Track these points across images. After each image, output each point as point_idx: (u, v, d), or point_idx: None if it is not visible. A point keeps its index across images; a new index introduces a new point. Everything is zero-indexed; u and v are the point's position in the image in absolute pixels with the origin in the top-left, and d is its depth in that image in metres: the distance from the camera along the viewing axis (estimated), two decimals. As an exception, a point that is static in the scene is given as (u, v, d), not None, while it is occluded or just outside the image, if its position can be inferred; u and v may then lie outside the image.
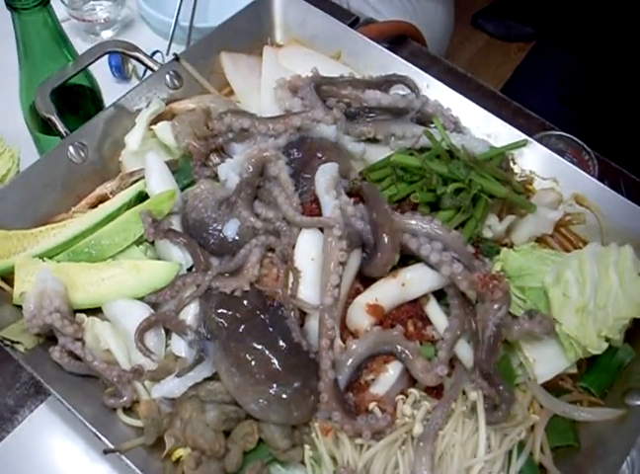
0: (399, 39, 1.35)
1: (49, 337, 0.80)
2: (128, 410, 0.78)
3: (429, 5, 1.64)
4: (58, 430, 0.88)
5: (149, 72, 0.98)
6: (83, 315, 0.80)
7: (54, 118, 0.88)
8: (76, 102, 0.97)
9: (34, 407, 0.90)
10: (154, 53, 1.17)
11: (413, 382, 0.78)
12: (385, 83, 1.00)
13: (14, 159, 1.03)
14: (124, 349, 0.78)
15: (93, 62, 0.93)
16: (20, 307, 0.81)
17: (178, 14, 1.24)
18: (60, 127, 0.88)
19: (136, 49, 0.94)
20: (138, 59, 0.94)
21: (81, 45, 1.16)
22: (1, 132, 1.06)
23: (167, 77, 0.94)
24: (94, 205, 0.88)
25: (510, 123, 0.97)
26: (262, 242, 0.78)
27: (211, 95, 0.93)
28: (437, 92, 0.98)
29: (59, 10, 1.15)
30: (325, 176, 0.81)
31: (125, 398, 0.77)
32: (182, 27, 1.24)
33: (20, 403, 0.90)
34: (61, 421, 0.89)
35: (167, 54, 1.20)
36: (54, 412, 0.90)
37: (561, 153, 0.98)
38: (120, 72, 1.16)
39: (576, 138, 1.02)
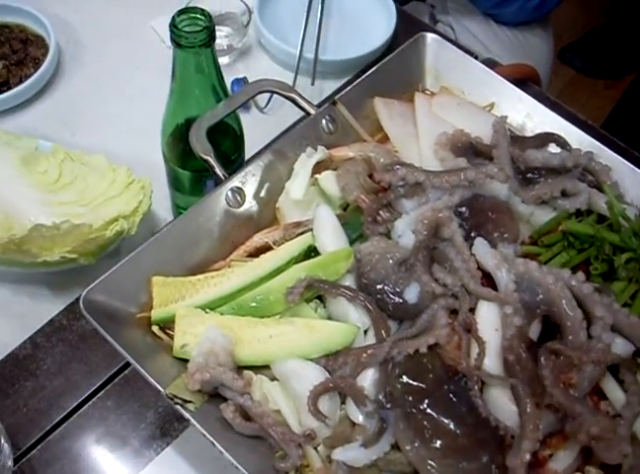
0: (520, 83, 1.41)
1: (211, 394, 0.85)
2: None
3: (534, 40, 1.70)
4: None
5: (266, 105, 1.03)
6: (250, 372, 0.84)
7: (212, 160, 0.93)
8: (217, 139, 1.02)
9: (160, 449, 0.95)
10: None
11: (588, 459, 0.82)
12: (539, 139, 1.05)
13: (145, 191, 1.08)
14: (294, 410, 0.82)
15: (247, 102, 0.98)
16: (179, 359, 0.85)
17: (302, 45, 1.30)
18: (218, 170, 0.93)
19: (291, 90, 0.99)
20: (294, 101, 0.99)
21: None
22: (130, 162, 1.12)
23: (323, 122, 0.99)
24: (252, 254, 0.92)
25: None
26: (445, 305, 0.83)
27: (371, 143, 0.98)
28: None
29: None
30: (490, 251, 0.86)
31: (294, 460, 0.81)
32: (304, 58, 1.30)
33: (145, 444, 0.95)
34: (188, 465, 0.94)
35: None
36: (181, 455, 0.95)
37: None
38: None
39: None
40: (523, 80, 1.40)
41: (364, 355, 0.80)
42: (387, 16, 1.43)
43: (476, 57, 1.33)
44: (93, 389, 1.06)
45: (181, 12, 0.89)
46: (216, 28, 1.30)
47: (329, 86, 1.37)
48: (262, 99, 1.29)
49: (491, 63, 1.39)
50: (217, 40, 1.32)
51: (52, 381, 1.07)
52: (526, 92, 1.35)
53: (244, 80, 1.30)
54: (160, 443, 1.00)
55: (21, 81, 1.32)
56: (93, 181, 1.15)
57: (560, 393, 0.75)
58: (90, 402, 1.05)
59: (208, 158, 0.91)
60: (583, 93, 2.54)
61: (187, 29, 0.89)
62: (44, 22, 1.38)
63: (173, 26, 0.88)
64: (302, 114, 1.02)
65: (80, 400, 1.06)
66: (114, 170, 1.15)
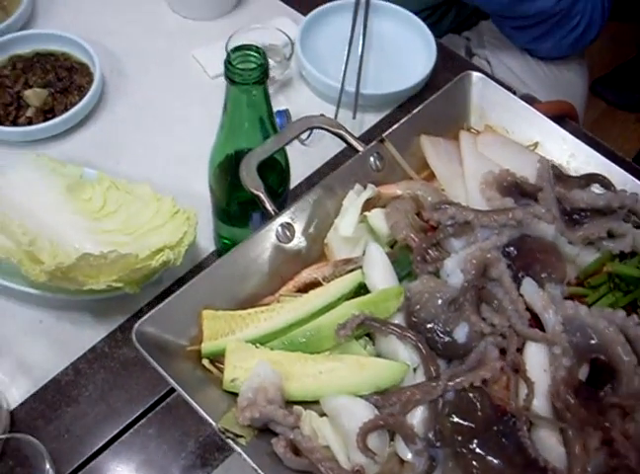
0: (559, 119, 1.43)
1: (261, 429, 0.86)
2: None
3: (570, 75, 1.73)
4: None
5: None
6: (300, 407, 0.86)
7: (262, 196, 0.95)
8: (264, 172, 1.04)
9: (200, 479, 0.97)
10: (315, 116, 1.25)
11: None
12: (583, 180, 1.07)
13: (190, 222, 1.11)
14: (344, 446, 0.84)
15: (296, 137, 1.00)
16: (229, 392, 0.87)
17: (344, 78, 1.32)
18: (268, 206, 0.95)
19: (340, 127, 1.02)
20: (342, 138, 1.01)
21: None
22: (172, 191, 1.15)
23: (371, 159, 1.01)
24: (301, 289, 0.94)
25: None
26: (494, 342, 0.85)
27: (419, 182, 1.00)
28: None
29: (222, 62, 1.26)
30: (538, 292, 0.88)
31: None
32: (344, 91, 1.33)
33: (186, 474, 0.97)
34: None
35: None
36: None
37: None
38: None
39: None
40: (562, 116, 1.42)
41: (419, 392, 0.81)
42: (427, 50, 1.46)
43: (514, 93, 1.35)
44: (134, 417, 1.08)
45: (235, 49, 0.92)
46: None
47: (369, 119, 1.40)
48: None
49: (529, 99, 1.42)
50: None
51: (94, 408, 1.09)
52: (565, 129, 1.38)
53: (286, 112, 1.33)
54: (200, 473, 1.02)
55: (66, 109, 1.35)
56: (137, 210, 1.18)
57: (624, 443, 0.76)
58: (131, 429, 1.07)
59: (259, 194, 0.93)
60: (614, 126, 2.56)
61: (241, 66, 0.91)
62: (89, 50, 1.41)
63: (228, 62, 0.90)
64: (342, 145, 1.04)
65: (121, 427, 1.07)
66: (158, 200, 1.18)
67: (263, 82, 0.91)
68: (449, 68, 1.49)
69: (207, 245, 1.22)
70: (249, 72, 0.90)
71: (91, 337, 1.15)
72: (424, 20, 1.52)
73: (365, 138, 1.31)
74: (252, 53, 0.91)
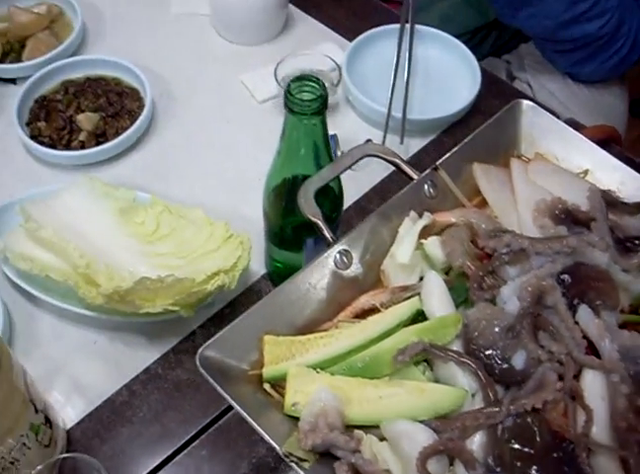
0: (603, 143, 1.45)
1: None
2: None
3: (611, 99, 1.75)
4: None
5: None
6: (361, 432, 0.88)
7: (320, 223, 0.98)
8: (319, 198, 1.07)
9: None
10: (366, 142, 1.28)
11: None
12: (635, 207, 1.09)
13: (244, 246, 1.13)
14: (403, 470, 0.86)
15: (352, 165, 1.03)
16: (290, 416, 0.90)
17: (390, 104, 1.35)
18: (326, 233, 0.98)
19: (394, 155, 1.04)
20: (397, 166, 1.03)
21: (282, 124, 1.31)
22: (222, 214, 1.18)
23: (425, 187, 1.04)
24: (358, 315, 0.96)
25: None
26: (552, 368, 0.87)
27: (472, 209, 1.02)
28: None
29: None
30: (593, 320, 0.90)
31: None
32: (391, 116, 1.35)
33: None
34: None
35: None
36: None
37: None
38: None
39: None
40: (607, 141, 1.44)
41: (480, 417, 0.83)
42: (471, 75, 1.48)
43: (558, 118, 1.37)
44: (188, 438, 1.11)
45: (295, 79, 0.94)
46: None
47: (415, 143, 1.43)
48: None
49: (573, 124, 1.44)
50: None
51: (148, 428, 1.11)
52: (611, 153, 1.40)
53: (334, 137, 1.36)
54: (255, 497, 1.04)
55: (117, 133, 1.39)
56: (190, 234, 1.21)
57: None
58: (185, 451, 1.10)
59: (317, 221, 0.96)
60: (653, 147, 2.58)
61: (300, 96, 0.93)
62: (140, 75, 1.45)
63: (288, 92, 0.93)
64: (389, 169, 1.06)
65: (175, 448, 1.10)
66: (211, 224, 1.21)
67: (322, 112, 0.94)
68: (493, 93, 1.51)
69: (258, 267, 1.24)
70: (308, 103, 0.92)
71: (144, 358, 1.18)
72: (464, 43, 1.54)
73: (412, 162, 1.34)
74: (311, 84, 0.94)
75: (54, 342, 1.20)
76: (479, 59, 1.52)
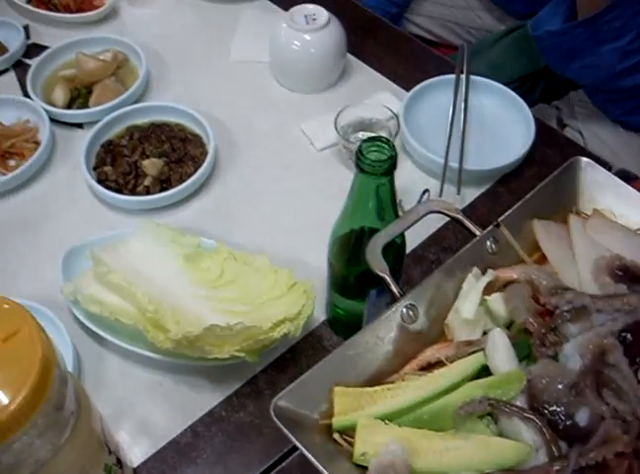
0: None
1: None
2: None
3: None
4: None
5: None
6: (425, 482, 0.93)
7: (387, 278, 1.02)
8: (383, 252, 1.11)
9: None
10: (424, 192, 1.34)
11: None
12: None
13: (308, 295, 1.18)
14: (469, 521, 0.90)
15: (418, 221, 1.08)
16: (357, 466, 0.95)
17: (447, 154, 1.41)
18: (394, 287, 1.02)
19: (458, 212, 1.09)
20: (460, 223, 1.08)
21: (341, 171, 1.48)
22: (282, 260, 1.23)
23: (488, 243, 1.09)
24: (423, 367, 1.01)
25: None
26: (617, 424, 0.91)
27: (533, 266, 1.06)
28: None
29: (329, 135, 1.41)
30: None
31: None
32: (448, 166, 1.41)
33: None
34: None
35: (440, 196, 1.37)
36: None
37: None
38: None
39: None
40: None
41: (552, 471, 0.87)
42: (526, 125, 1.53)
43: (609, 169, 1.41)
44: (251, 480, 1.15)
45: (367, 140, 0.99)
46: (364, 135, 1.45)
47: (470, 193, 1.47)
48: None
49: (625, 175, 1.48)
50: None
51: (212, 470, 1.16)
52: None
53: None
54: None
55: (181, 178, 1.45)
56: (255, 280, 1.26)
57: None
58: (248, 493, 1.14)
59: (385, 276, 1.00)
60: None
61: (371, 156, 0.98)
62: (203, 122, 1.51)
63: (359, 152, 0.98)
64: (444, 219, 1.10)
65: (239, 491, 1.14)
66: (275, 272, 1.26)
67: (391, 173, 0.99)
68: (546, 142, 1.56)
69: (318, 313, 1.29)
70: (379, 163, 0.97)
71: (208, 400, 1.23)
72: (514, 90, 1.59)
73: (468, 211, 1.39)
74: (383, 145, 0.99)
75: (121, 382, 1.26)
76: (529, 106, 1.56)
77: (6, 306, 0.89)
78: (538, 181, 1.15)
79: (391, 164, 0.98)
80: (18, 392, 0.81)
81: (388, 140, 1.00)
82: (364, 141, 1.00)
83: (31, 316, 0.88)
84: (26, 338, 0.86)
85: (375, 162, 0.98)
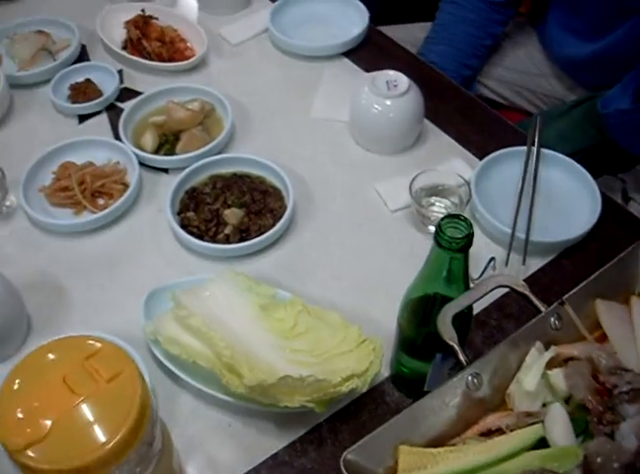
0: None
1: None
2: None
3: None
4: None
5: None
6: None
7: (456, 346, 1.11)
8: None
9: None
10: (491, 260, 1.42)
11: None
12: None
13: (377, 353, 1.27)
14: None
15: (487, 293, 1.17)
16: (418, 522, 1.02)
17: (515, 225, 1.49)
18: (461, 356, 1.10)
19: (525, 288, 1.17)
20: (526, 298, 1.16)
21: (412, 233, 1.56)
22: (355, 318, 1.32)
23: (552, 319, 1.17)
24: (483, 433, 1.09)
25: None
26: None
27: (594, 344, 1.14)
28: None
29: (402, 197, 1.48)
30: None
31: None
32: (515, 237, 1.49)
33: None
34: None
35: (506, 266, 1.45)
36: None
37: None
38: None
39: None
40: None
41: None
42: (591, 200, 1.60)
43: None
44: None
45: (446, 217, 1.08)
46: (436, 200, 1.54)
47: (534, 263, 1.54)
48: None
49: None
50: (436, 212, 1.54)
51: (276, 513, 1.24)
52: None
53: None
54: None
55: (260, 229, 1.55)
56: (326, 334, 1.35)
57: None
58: None
59: (454, 344, 1.09)
60: None
61: (449, 232, 1.07)
62: (284, 177, 1.61)
63: (439, 228, 1.06)
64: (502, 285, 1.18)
65: None
66: (346, 327, 1.35)
67: (466, 250, 1.07)
68: (610, 217, 1.62)
69: (382, 369, 1.37)
70: (457, 240, 1.05)
71: (273, 444, 1.30)
72: (579, 161, 1.66)
73: (531, 281, 1.46)
74: (461, 223, 1.07)
75: (192, 421, 1.34)
76: (594, 177, 1.62)
77: (111, 349, 0.99)
78: (601, 255, 1.22)
79: (467, 242, 1.07)
80: (118, 430, 0.91)
81: (466, 219, 1.08)
82: (444, 218, 1.09)
83: (132, 359, 0.98)
84: (127, 380, 0.96)
85: (452, 239, 1.06)
